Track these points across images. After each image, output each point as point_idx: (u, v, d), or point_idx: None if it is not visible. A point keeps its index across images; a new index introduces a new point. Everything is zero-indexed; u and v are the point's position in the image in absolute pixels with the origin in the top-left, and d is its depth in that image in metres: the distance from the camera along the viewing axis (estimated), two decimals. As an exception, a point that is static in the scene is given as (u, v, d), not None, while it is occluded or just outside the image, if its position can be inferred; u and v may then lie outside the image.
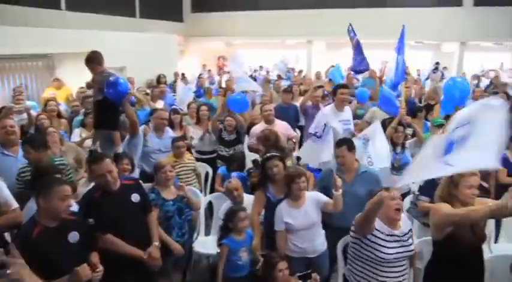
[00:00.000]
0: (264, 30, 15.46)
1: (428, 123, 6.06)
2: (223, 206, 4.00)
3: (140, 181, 3.46)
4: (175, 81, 11.23)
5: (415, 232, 3.92)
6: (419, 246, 3.22)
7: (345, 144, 3.77)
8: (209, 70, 14.93)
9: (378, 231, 2.73)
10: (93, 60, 4.43)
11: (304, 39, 15.88)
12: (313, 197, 3.47)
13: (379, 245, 2.71)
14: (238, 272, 3.33)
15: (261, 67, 15.91)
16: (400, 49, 5.52)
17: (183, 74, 12.77)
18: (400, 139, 4.88)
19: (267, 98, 6.50)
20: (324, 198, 3.44)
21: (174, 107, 6.73)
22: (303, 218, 3.37)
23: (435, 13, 14.44)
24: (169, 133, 5.20)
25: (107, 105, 4.31)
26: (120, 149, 4.34)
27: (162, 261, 3.14)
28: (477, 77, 13.01)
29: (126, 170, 3.82)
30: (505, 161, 4.58)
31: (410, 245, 2.79)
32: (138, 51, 11.14)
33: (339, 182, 3.33)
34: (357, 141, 4.15)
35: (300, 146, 6.14)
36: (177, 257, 3.60)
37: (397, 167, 4.75)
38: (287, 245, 3.40)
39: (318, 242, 3.45)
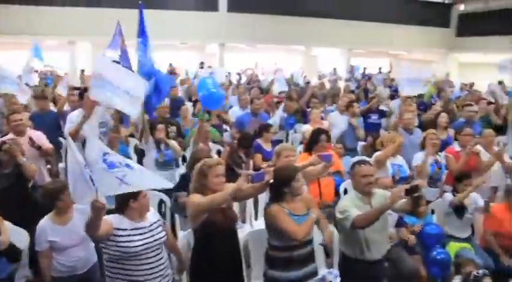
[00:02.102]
0: (14, 27, 13.55)
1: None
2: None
3: None
4: None
5: (179, 226, 4.20)
6: (185, 237, 3.42)
7: None
8: None
9: (118, 229, 2.75)
10: None
11: (66, 39, 14.70)
12: (82, 210, 3.20)
13: (124, 241, 2.74)
14: None
15: None
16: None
17: None
18: (162, 135, 4.91)
19: (17, 106, 5.65)
20: None
21: None
22: (71, 234, 3.14)
23: (196, 16, 15.50)
24: None
25: None
26: None
27: None
28: (238, 75, 14.67)
29: None
30: (259, 148, 5.30)
31: (160, 232, 2.91)
32: None
33: None
34: None
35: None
36: None
37: (161, 162, 4.93)
38: (52, 265, 3.13)
39: (88, 256, 3.28)
